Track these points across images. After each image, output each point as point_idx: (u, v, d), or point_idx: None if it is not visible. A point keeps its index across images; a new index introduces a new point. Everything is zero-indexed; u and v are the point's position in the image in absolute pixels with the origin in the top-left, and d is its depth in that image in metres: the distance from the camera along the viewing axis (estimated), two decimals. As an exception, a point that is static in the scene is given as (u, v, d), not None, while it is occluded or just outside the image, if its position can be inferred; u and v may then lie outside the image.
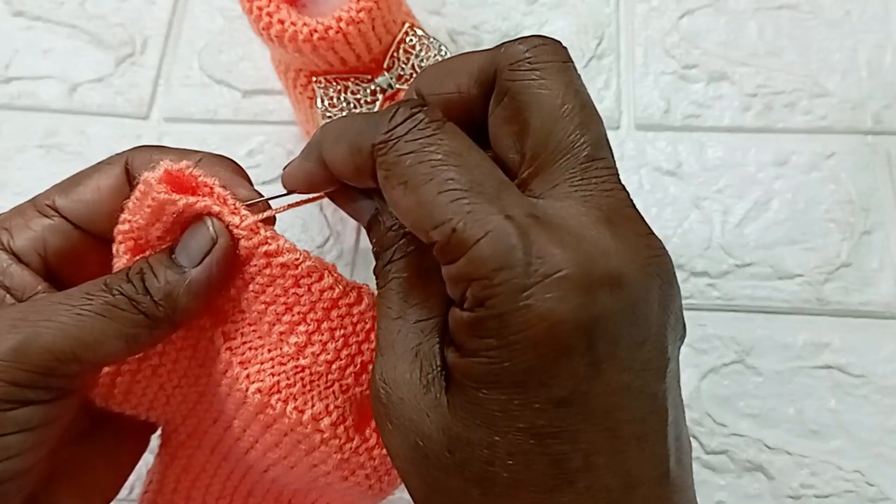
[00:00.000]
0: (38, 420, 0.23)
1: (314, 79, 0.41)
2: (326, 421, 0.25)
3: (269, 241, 0.25)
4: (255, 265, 0.25)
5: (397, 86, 0.41)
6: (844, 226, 0.45)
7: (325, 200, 0.43)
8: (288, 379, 0.25)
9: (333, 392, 0.26)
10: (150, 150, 0.28)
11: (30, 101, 0.53)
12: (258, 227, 0.25)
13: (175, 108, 0.52)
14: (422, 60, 0.41)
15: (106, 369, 0.26)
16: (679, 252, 0.45)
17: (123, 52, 0.54)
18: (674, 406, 0.22)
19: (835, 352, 0.43)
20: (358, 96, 0.41)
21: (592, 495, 0.20)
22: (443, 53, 0.42)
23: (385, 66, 0.41)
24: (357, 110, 0.41)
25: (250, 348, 0.26)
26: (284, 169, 0.25)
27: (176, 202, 0.24)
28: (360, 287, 0.26)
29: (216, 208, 0.25)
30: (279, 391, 0.25)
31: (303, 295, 0.25)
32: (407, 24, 0.42)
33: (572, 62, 0.23)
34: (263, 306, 0.25)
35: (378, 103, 0.41)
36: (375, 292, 0.25)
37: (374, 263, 0.25)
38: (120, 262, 0.26)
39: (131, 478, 0.30)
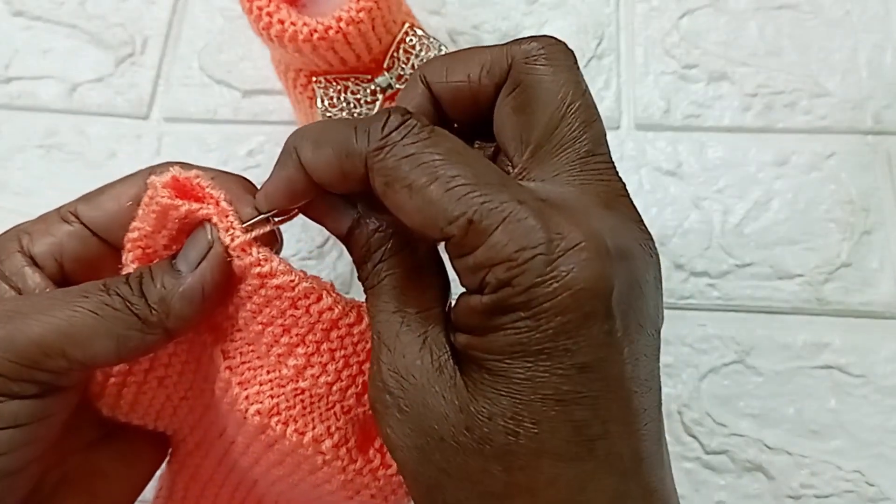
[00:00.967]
0: (26, 416, 0.23)
1: (314, 79, 0.41)
2: (328, 443, 0.25)
3: (261, 262, 0.24)
4: (250, 285, 0.24)
5: (397, 86, 0.41)
6: (845, 226, 0.45)
7: None
8: (287, 401, 0.25)
9: (335, 414, 0.25)
10: (174, 164, 0.28)
11: (30, 101, 0.53)
12: (250, 248, 0.24)
13: (175, 108, 0.52)
14: (422, 60, 0.41)
15: (112, 379, 0.26)
16: (679, 252, 0.46)
17: (123, 51, 0.54)
18: (659, 387, 0.23)
19: (835, 352, 0.43)
20: (358, 96, 0.41)
21: (610, 464, 0.21)
22: (443, 53, 0.42)
23: (385, 66, 0.41)
24: (357, 110, 0.41)
25: (249, 368, 0.25)
26: (259, 191, 0.25)
27: (178, 207, 0.24)
28: (359, 305, 0.25)
29: (216, 220, 0.24)
30: (279, 413, 0.25)
31: (300, 317, 0.24)
32: (407, 24, 0.41)
33: (578, 64, 0.25)
34: (260, 327, 0.25)
35: (378, 103, 0.41)
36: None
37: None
38: (127, 270, 0.25)
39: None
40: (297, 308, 0.24)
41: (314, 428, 0.25)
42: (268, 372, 0.25)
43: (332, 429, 0.25)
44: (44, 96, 0.53)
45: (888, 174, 0.46)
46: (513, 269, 0.20)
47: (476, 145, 0.27)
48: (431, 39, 0.42)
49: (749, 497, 0.40)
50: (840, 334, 0.43)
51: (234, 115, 0.51)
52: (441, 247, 0.23)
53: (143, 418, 0.28)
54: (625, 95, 0.50)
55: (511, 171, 0.25)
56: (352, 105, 0.41)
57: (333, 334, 0.25)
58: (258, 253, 0.24)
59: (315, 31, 0.37)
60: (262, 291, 0.24)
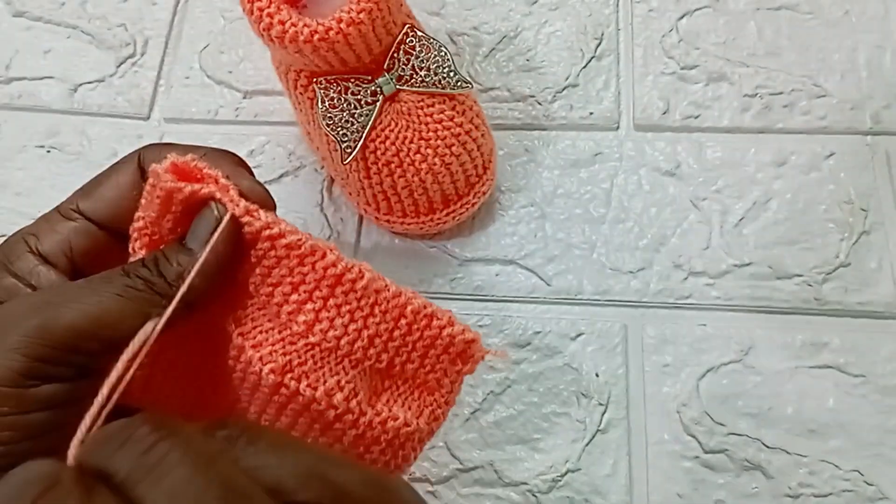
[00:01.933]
0: (61, 398, 0.23)
1: (315, 80, 0.41)
2: (339, 396, 0.26)
3: (271, 225, 0.26)
4: (261, 248, 0.26)
5: (397, 86, 0.41)
6: (843, 226, 0.45)
7: (325, 201, 0.43)
8: (299, 357, 0.26)
9: (343, 367, 0.27)
10: (160, 147, 0.30)
11: (30, 102, 0.53)
12: (258, 213, 0.26)
13: (176, 109, 0.52)
14: (422, 61, 0.41)
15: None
16: (678, 252, 0.46)
17: (124, 52, 0.54)
18: None
19: (834, 351, 0.43)
20: (358, 97, 0.41)
21: None
22: (442, 54, 0.42)
23: (385, 66, 0.41)
24: (357, 111, 0.41)
25: (261, 332, 0.27)
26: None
27: (182, 189, 0.25)
28: (360, 264, 0.27)
29: (219, 195, 0.26)
30: (291, 370, 0.26)
31: (308, 273, 0.26)
32: (407, 26, 0.42)
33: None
34: (271, 288, 0.26)
35: (378, 104, 0.41)
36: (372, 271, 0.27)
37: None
38: (136, 258, 0.27)
39: None
40: (304, 265, 0.26)
41: (325, 382, 0.26)
42: (279, 331, 0.27)
43: (342, 382, 0.26)
44: (45, 97, 0.53)
45: (887, 174, 0.47)
46: None
47: None
48: (431, 40, 0.42)
49: (748, 496, 0.40)
50: (839, 334, 0.43)
51: (235, 116, 0.51)
52: None
53: (154, 402, 0.28)
54: (624, 96, 0.50)
55: None
56: (352, 106, 0.41)
57: (338, 290, 0.26)
58: (266, 217, 0.26)
59: (315, 32, 0.37)
60: (272, 253, 0.26)
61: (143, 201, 0.27)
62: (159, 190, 0.26)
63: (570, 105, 0.50)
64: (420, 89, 0.42)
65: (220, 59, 0.53)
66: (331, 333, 0.26)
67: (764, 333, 0.43)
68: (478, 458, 0.42)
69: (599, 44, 0.52)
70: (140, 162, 0.29)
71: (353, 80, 0.41)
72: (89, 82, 0.53)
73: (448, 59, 0.42)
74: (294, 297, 0.26)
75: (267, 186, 0.50)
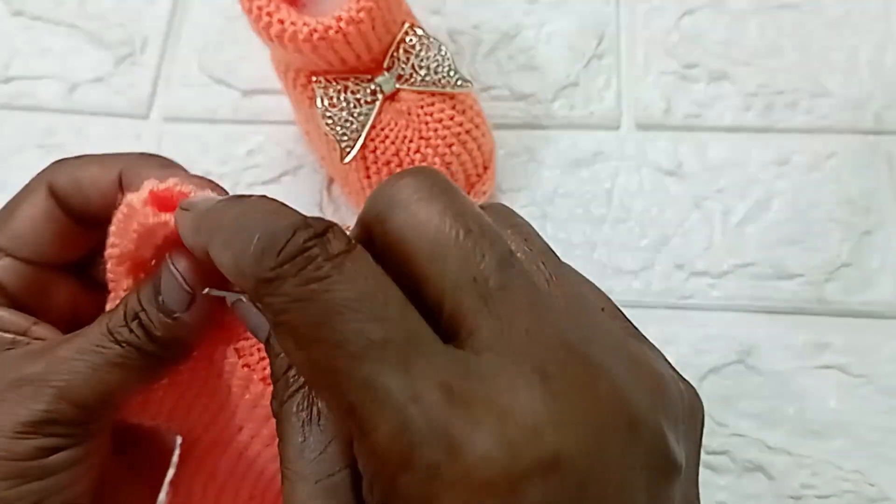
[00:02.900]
0: (81, 455, 0.24)
1: (314, 78, 0.41)
2: None
3: None
4: None
5: (397, 85, 0.41)
6: (845, 226, 0.45)
7: (325, 201, 0.42)
8: None
9: None
10: (71, 166, 0.27)
11: (29, 101, 0.53)
12: None
13: (174, 108, 0.52)
14: (422, 60, 0.41)
15: None
16: (680, 252, 0.45)
17: (123, 51, 0.54)
18: None
19: (836, 352, 0.43)
20: (358, 96, 0.41)
21: None
22: (443, 53, 0.42)
23: (385, 65, 0.41)
24: (357, 110, 0.41)
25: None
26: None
27: (167, 223, 0.23)
28: None
29: None
30: None
31: None
32: (407, 24, 0.41)
33: (448, 185, 0.19)
34: None
35: (378, 103, 0.41)
36: None
37: None
38: (120, 287, 0.25)
39: None
40: None
41: None
42: None
43: None
44: (43, 96, 0.53)
45: (889, 174, 0.46)
46: (389, 493, 0.16)
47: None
48: (431, 39, 0.42)
49: (750, 497, 0.40)
50: (841, 334, 0.43)
51: (234, 115, 0.51)
52: None
53: (154, 418, 0.28)
54: (625, 95, 0.50)
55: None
56: (351, 105, 0.41)
57: None
58: None
59: (315, 30, 0.37)
60: None
61: (114, 228, 0.24)
62: (137, 224, 0.23)
63: (571, 104, 0.50)
64: (420, 88, 0.41)
65: (219, 58, 0.53)
66: None
67: (766, 334, 0.43)
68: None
69: (600, 43, 0.52)
70: (51, 186, 0.27)
71: (352, 79, 0.41)
72: (88, 81, 0.53)
73: (448, 58, 0.42)
74: None
75: (266, 186, 0.50)
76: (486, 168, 0.45)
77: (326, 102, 0.41)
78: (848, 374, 0.42)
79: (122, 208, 0.24)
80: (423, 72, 0.41)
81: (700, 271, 0.45)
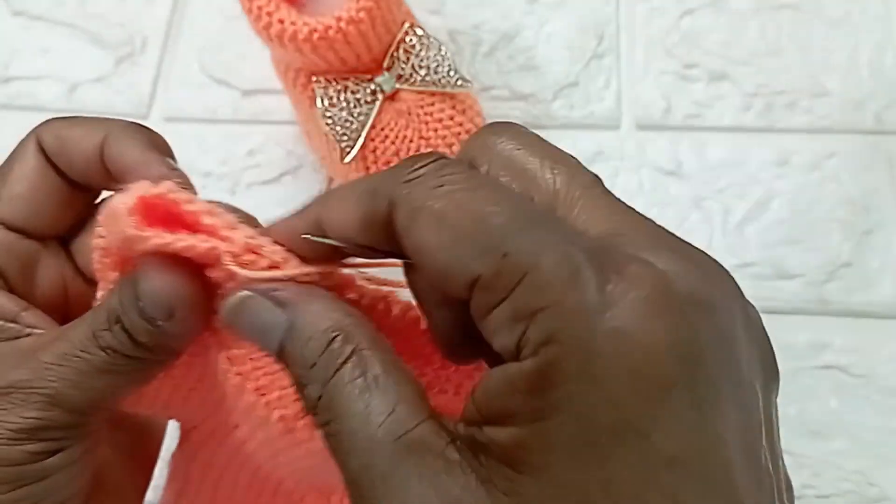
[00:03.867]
0: (77, 455, 0.23)
1: (314, 78, 0.41)
2: None
3: (280, 263, 0.21)
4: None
5: (397, 85, 0.41)
6: (845, 226, 0.45)
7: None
8: None
9: None
10: (58, 124, 0.26)
11: (29, 101, 0.53)
12: (263, 248, 0.21)
13: (174, 108, 0.52)
14: (422, 60, 0.41)
15: None
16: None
17: (123, 51, 0.54)
18: (778, 476, 0.18)
19: (836, 352, 0.43)
20: (358, 96, 0.41)
21: None
22: (443, 53, 0.42)
23: (385, 65, 0.41)
24: (357, 110, 0.41)
25: (265, 374, 0.24)
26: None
27: (147, 240, 0.21)
28: (386, 296, 0.23)
29: (201, 246, 0.21)
30: (304, 416, 0.23)
31: None
32: (407, 24, 0.41)
33: (525, 130, 0.21)
34: None
35: (378, 103, 0.41)
36: (396, 299, 0.23)
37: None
38: (107, 280, 0.24)
39: None
40: None
41: None
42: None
43: None
44: (43, 96, 0.53)
45: (889, 174, 0.46)
46: (559, 316, 0.16)
47: None
48: (431, 39, 0.42)
49: (750, 497, 0.40)
50: (841, 334, 0.43)
51: (234, 115, 0.51)
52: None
53: (150, 407, 0.27)
54: (625, 95, 0.50)
55: None
56: (351, 105, 0.41)
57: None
58: (275, 253, 0.22)
59: (315, 30, 0.37)
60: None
61: (101, 217, 0.23)
62: (119, 231, 0.21)
63: (571, 104, 0.50)
64: (420, 88, 0.41)
65: (219, 58, 0.53)
66: None
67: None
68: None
69: (600, 43, 0.52)
70: (41, 145, 0.26)
71: (352, 79, 0.41)
72: (88, 81, 0.53)
73: (448, 58, 0.42)
74: None
75: (266, 186, 0.50)
76: (486, 168, 0.45)
77: (326, 102, 0.41)
78: (848, 374, 0.42)
79: (110, 205, 0.22)
80: (423, 72, 0.41)
81: (700, 271, 0.45)
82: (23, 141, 0.26)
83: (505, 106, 0.50)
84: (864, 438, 0.41)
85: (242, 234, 0.21)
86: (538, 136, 0.21)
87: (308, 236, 0.21)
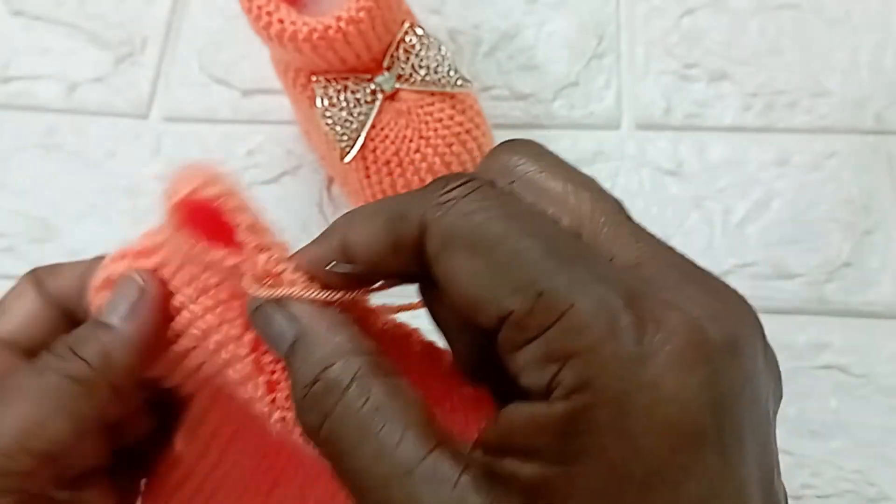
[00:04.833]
0: None
1: (314, 78, 0.41)
2: None
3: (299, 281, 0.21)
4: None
5: (397, 85, 0.41)
6: (846, 225, 0.45)
7: (325, 200, 0.42)
8: None
9: None
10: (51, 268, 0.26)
11: (29, 101, 0.53)
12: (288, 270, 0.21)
13: (174, 108, 0.52)
14: (422, 60, 0.41)
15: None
16: (680, 252, 0.45)
17: (122, 51, 0.54)
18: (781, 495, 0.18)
19: (836, 352, 0.43)
20: (358, 96, 0.41)
21: None
22: (443, 53, 0.42)
23: (385, 65, 0.41)
24: (357, 110, 0.41)
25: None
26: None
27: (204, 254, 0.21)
28: (410, 333, 0.23)
29: (228, 262, 0.21)
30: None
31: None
32: (407, 24, 0.41)
33: (545, 149, 0.21)
34: None
35: (377, 103, 0.41)
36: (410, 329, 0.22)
37: None
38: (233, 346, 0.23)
39: None
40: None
41: None
42: None
43: None
44: (43, 96, 0.53)
45: (889, 174, 0.46)
46: (595, 364, 0.16)
47: None
48: (431, 39, 0.42)
49: (750, 497, 0.40)
50: (841, 334, 0.43)
51: (234, 115, 0.51)
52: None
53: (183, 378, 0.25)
54: (625, 95, 0.50)
55: None
56: (351, 104, 0.41)
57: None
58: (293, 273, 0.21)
59: (315, 30, 0.37)
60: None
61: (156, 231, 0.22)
62: (187, 255, 0.21)
63: (571, 104, 0.50)
64: (420, 88, 0.41)
65: (219, 58, 0.53)
66: None
67: (766, 333, 0.43)
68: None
69: (600, 42, 0.52)
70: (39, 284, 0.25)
71: (352, 79, 0.41)
72: (88, 81, 0.53)
73: (448, 58, 0.42)
74: None
75: (266, 186, 0.50)
76: (486, 168, 0.45)
77: (326, 102, 0.41)
78: (848, 374, 0.42)
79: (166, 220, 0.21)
80: (422, 71, 0.41)
81: (700, 271, 0.45)
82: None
83: (505, 106, 0.50)
84: (864, 438, 0.41)
85: (265, 259, 0.21)
86: (557, 156, 0.20)
87: (331, 267, 0.20)
